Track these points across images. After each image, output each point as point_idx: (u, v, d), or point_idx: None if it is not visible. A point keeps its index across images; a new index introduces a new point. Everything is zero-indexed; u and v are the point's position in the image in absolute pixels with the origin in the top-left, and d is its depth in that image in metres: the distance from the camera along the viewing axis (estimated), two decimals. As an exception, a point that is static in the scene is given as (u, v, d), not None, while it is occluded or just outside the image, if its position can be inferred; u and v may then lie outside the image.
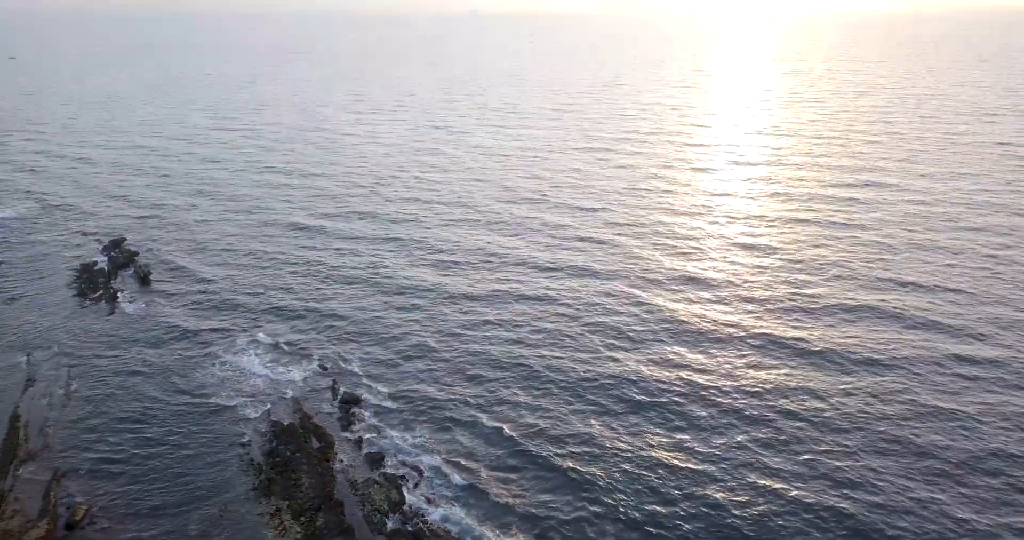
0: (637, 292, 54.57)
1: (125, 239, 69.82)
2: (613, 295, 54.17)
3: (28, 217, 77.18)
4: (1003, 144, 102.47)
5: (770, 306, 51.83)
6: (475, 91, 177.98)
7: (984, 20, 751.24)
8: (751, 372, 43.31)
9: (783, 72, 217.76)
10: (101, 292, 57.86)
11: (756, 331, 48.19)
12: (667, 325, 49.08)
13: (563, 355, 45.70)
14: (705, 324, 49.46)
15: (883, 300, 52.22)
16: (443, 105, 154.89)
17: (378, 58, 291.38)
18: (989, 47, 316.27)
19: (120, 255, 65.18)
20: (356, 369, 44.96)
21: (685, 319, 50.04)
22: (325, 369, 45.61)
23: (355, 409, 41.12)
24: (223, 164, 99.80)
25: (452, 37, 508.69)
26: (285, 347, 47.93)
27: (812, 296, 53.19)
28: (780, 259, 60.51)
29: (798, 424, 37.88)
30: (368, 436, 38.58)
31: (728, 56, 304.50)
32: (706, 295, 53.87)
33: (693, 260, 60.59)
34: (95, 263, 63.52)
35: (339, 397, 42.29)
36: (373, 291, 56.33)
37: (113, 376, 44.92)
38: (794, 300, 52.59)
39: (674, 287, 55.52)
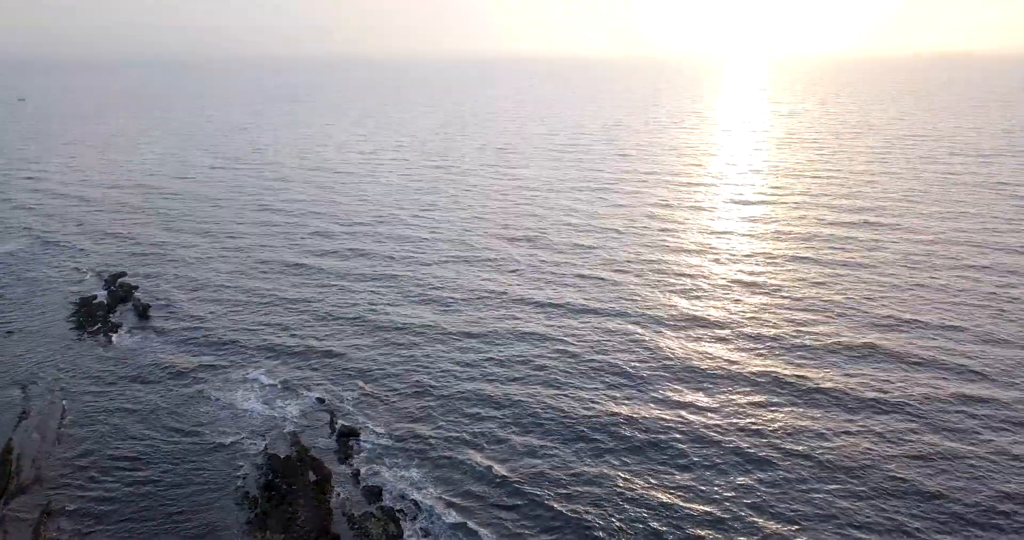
0: (637, 330, 54.13)
1: (125, 273, 69.88)
2: (612, 333, 53.71)
3: (28, 252, 77.34)
4: (1002, 184, 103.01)
5: (772, 345, 51.33)
6: (475, 132, 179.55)
7: (981, 64, 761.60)
8: (753, 411, 42.68)
9: (780, 113, 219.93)
10: (99, 325, 57.66)
11: (758, 370, 47.62)
12: (667, 364, 48.52)
13: (562, 394, 45.09)
14: (706, 363, 48.91)
15: (886, 339, 51.72)
16: (443, 145, 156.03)
17: (380, 101, 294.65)
18: (985, 89, 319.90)
19: (119, 289, 65.21)
20: (353, 405, 44.43)
21: (685, 357, 49.49)
22: (323, 402, 45.35)
23: (353, 442, 40.61)
24: (223, 203, 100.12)
25: (455, 80, 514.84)
26: (282, 383, 47.44)
27: (814, 334, 52.69)
28: (781, 297, 60.17)
29: (803, 464, 37.15)
30: (366, 469, 38.10)
31: (726, 97, 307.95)
32: (707, 333, 53.39)
33: (693, 298, 60.27)
34: (94, 297, 63.42)
35: (337, 430, 41.86)
36: (371, 329, 55.96)
37: (108, 410, 44.44)
38: (796, 338, 52.09)
39: (674, 325, 55.08)
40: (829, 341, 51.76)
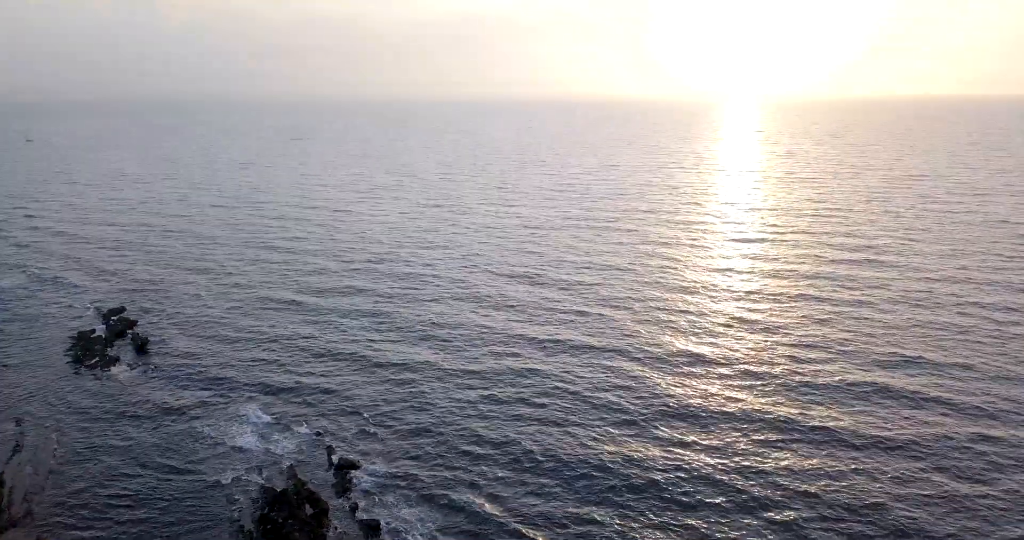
0: (637, 368, 53.54)
1: (124, 309, 69.62)
2: (612, 371, 53.14)
3: (26, 288, 77.24)
4: (1003, 222, 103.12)
5: (774, 383, 50.75)
6: (475, 172, 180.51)
7: (981, 106, 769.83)
8: (756, 450, 41.94)
9: (778, 154, 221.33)
10: (97, 359, 57.48)
11: (760, 408, 46.99)
12: (668, 402, 47.92)
13: (561, 432, 44.39)
14: (707, 401, 48.29)
15: (891, 377, 51.10)
16: (443, 185, 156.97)
17: (382, 142, 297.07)
18: (966, 131, 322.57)
19: (118, 323, 65.13)
20: (351, 440, 43.86)
21: (686, 396, 48.90)
22: (320, 435, 44.86)
23: (351, 475, 40.05)
24: (221, 240, 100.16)
25: (457, 122, 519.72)
26: (279, 419, 46.92)
27: (817, 372, 52.17)
28: (783, 335, 59.68)
29: (808, 505, 36.34)
30: (364, 503, 37.49)
31: (723, 137, 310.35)
32: (708, 371, 52.88)
33: (694, 336, 59.78)
34: (92, 331, 63.22)
35: (334, 464, 41.33)
36: (369, 366, 55.44)
37: (103, 445, 43.92)
38: (799, 376, 51.53)
39: (675, 363, 54.53)
40: (832, 379, 51.16)
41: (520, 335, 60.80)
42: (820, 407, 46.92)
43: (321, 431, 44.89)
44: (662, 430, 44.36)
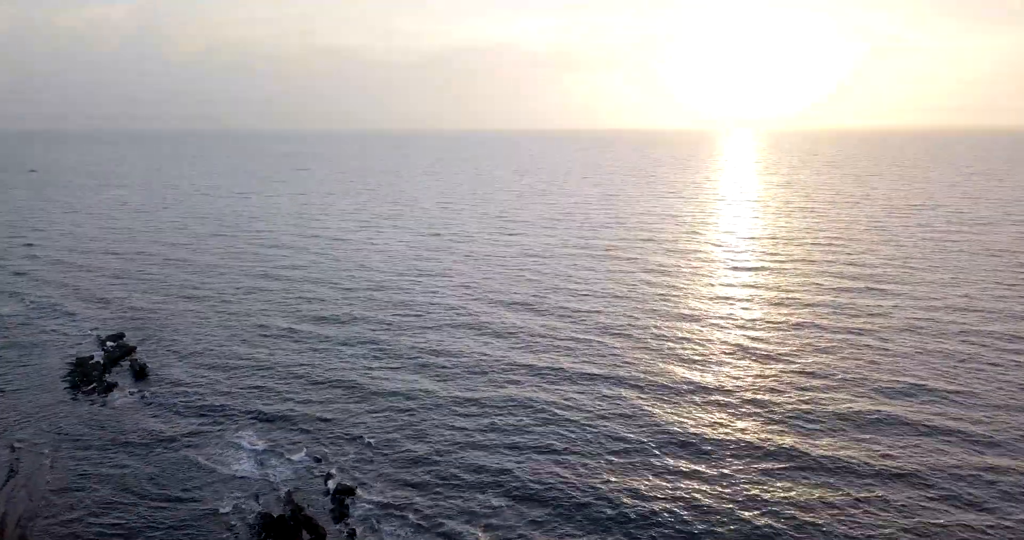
0: (637, 397, 53.01)
1: (123, 335, 69.35)
2: (612, 399, 52.62)
3: (26, 314, 77.00)
4: (1003, 251, 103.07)
5: (777, 412, 50.23)
6: (474, 202, 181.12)
7: (985, 138, 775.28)
8: (758, 480, 41.28)
9: (776, 184, 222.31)
10: (95, 385, 57.11)
11: (763, 438, 46.41)
12: (669, 431, 47.31)
13: (560, 462, 43.73)
14: (708, 430, 47.74)
15: (893, 405, 50.58)
16: (442, 214, 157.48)
17: (385, 172, 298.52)
18: (958, 162, 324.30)
19: (116, 349, 64.93)
20: (348, 468, 43.32)
21: (687, 425, 48.36)
22: (319, 461, 44.50)
23: (349, 501, 39.59)
24: (221, 269, 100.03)
25: (457, 153, 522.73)
26: (276, 446, 46.44)
27: (821, 401, 51.66)
28: (785, 364, 59.30)
29: (814, 537, 35.66)
30: (360, 530, 37.01)
31: (723, 167, 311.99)
32: (710, 400, 52.40)
33: (694, 364, 59.36)
34: (91, 357, 62.88)
35: (332, 490, 40.85)
36: (367, 394, 54.97)
37: (98, 471, 43.43)
38: (802, 406, 51.03)
39: (676, 392, 54.06)
40: (835, 408, 50.69)
41: (519, 363, 60.42)
42: (823, 436, 46.40)
43: (319, 457, 44.44)
44: (663, 459, 43.80)
